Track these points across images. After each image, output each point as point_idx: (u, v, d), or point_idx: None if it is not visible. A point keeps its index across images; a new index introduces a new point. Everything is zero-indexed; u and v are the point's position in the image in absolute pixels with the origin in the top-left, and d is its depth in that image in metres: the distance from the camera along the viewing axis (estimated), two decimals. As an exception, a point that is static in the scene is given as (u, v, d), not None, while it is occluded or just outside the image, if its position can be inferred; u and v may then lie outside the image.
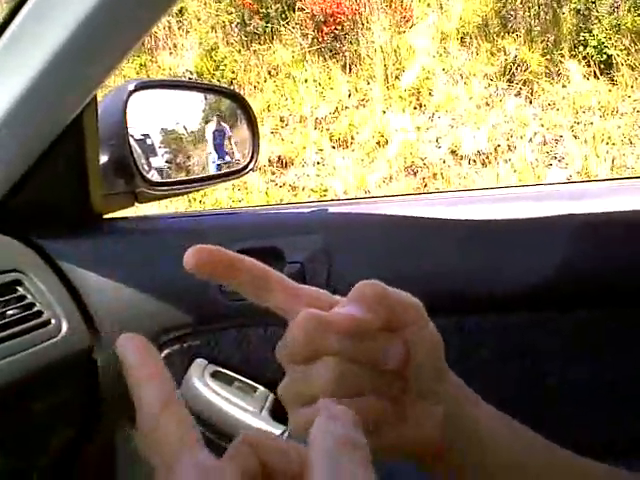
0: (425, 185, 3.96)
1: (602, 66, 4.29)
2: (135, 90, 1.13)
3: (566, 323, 0.98)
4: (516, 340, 1.00)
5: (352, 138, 4.22)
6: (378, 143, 4.16)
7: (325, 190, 3.95)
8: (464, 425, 0.51)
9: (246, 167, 1.31)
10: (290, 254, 1.03)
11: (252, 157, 1.31)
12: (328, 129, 4.28)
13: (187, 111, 1.42)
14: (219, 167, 1.37)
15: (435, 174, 4.03)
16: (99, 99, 1.05)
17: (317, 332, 0.45)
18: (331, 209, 1.14)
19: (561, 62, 4.34)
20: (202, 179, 1.34)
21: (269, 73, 4.53)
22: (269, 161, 4.13)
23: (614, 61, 4.25)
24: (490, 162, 4.00)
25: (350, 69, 4.49)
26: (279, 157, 4.18)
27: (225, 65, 4.58)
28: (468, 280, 1.00)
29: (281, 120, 4.36)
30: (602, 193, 1.09)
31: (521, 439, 0.54)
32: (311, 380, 0.46)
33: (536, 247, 0.99)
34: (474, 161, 4.04)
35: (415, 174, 4.03)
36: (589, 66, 4.30)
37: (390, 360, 0.46)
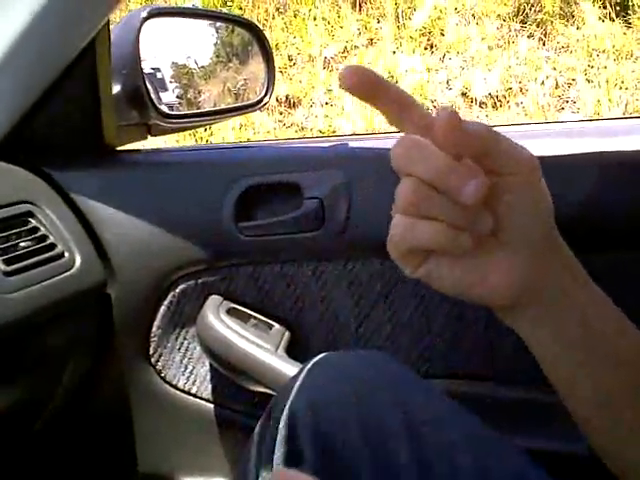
0: (435, 127, 3.90)
1: (618, 8, 4.19)
2: (148, 17, 1.09)
3: (592, 264, 0.96)
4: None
5: (361, 78, 4.15)
6: (387, 84, 4.08)
7: (333, 131, 3.89)
8: (547, 284, 0.51)
9: (261, 101, 1.28)
10: (309, 189, 1.01)
11: (267, 90, 1.28)
12: (337, 69, 4.21)
13: (198, 45, 1.38)
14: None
15: (445, 117, 3.96)
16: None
17: (407, 151, 0.47)
18: (351, 144, 1.11)
19: (576, 3, 4.24)
20: (217, 112, 1.32)
21: (277, 10, 4.43)
22: (277, 100, 4.06)
23: (630, 3, 4.16)
24: (501, 105, 3.93)
25: (360, 7, 4.39)
26: (287, 97, 4.11)
27: (233, 1, 4.48)
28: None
29: (289, 59, 4.28)
30: (631, 130, 1.06)
31: (601, 308, 0.54)
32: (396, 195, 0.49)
33: (562, 185, 0.96)
34: (485, 104, 3.97)
35: (425, 116, 3.97)
36: (604, 8, 4.19)
37: (463, 194, 0.45)
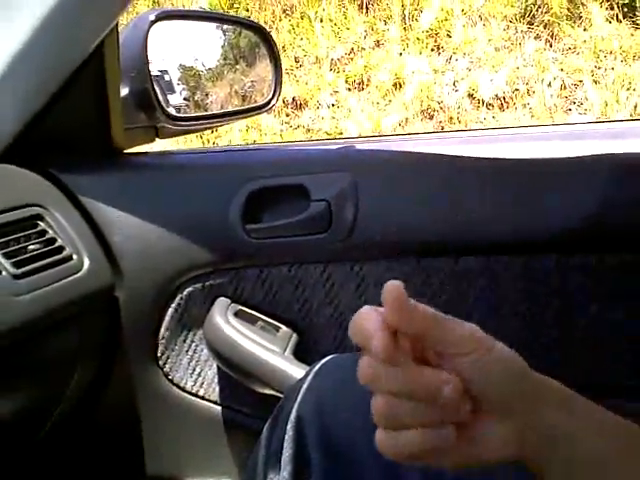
0: (442, 129, 3.90)
1: (625, 9, 4.17)
2: (156, 20, 1.10)
3: (600, 266, 0.96)
4: (547, 282, 0.98)
5: (368, 80, 4.15)
6: (394, 85, 4.08)
7: (340, 133, 3.89)
8: (544, 434, 0.52)
9: (268, 103, 1.28)
10: (316, 192, 1.01)
11: (274, 92, 1.28)
12: (344, 70, 4.21)
13: (205, 47, 1.38)
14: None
15: (451, 118, 3.96)
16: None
17: (373, 371, 0.49)
18: (359, 146, 1.11)
19: (583, 4, 4.23)
20: (224, 114, 1.32)
21: (284, 12, 4.43)
22: (284, 102, 4.06)
23: (638, 4, 4.14)
24: (508, 106, 3.93)
25: (367, 9, 4.39)
26: (294, 98, 4.11)
27: (239, 3, 4.48)
28: (499, 221, 0.98)
29: (296, 61, 4.28)
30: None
31: (606, 432, 0.54)
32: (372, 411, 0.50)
33: (571, 188, 0.96)
34: (491, 105, 3.97)
35: (431, 117, 3.96)
36: (612, 9, 4.18)
37: (441, 398, 0.47)
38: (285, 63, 4.17)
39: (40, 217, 0.95)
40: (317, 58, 4.25)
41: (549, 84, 3.96)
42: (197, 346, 1.08)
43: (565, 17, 4.23)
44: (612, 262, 0.96)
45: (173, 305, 1.06)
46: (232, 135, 3.95)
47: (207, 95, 1.37)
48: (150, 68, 1.09)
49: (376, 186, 1.01)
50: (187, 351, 1.08)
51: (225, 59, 1.43)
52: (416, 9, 4.30)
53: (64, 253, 0.94)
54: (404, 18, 4.29)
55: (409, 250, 1.01)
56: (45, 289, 0.88)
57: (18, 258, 0.88)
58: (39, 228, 0.94)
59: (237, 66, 1.43)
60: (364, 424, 0.67)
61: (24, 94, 0.98)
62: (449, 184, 1.00)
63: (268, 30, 1.34)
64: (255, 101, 1.37)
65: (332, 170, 1.02)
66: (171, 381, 1.09)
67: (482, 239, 0.98)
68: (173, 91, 1.27)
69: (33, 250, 0.91)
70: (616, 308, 0.97)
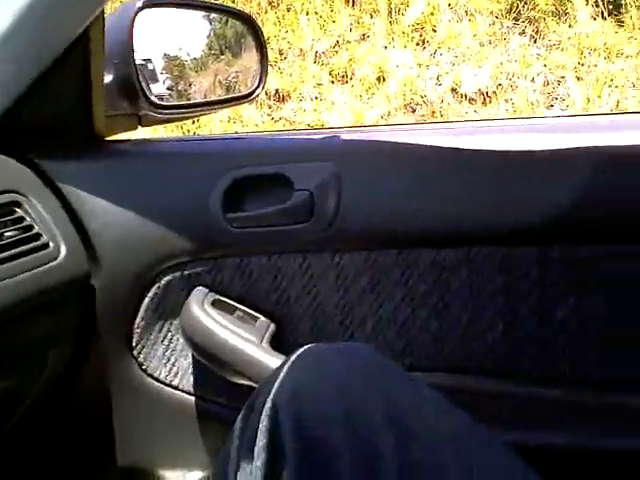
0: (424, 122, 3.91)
1: (610, 6, 4.20)
2: (143, 8, 1.09)
3: (580, 258, 0.97)
4: (527, 273, 0.98)
5: (352, 73, 4.15)
6: (378, 79, 4.08)
7: (322, 125, 3.89)
8: None
9: (253, 92, 1.28)
10: (299, 181, 1.01)
11: (260, 82, 1.28)
12: (328, 63, 4.20)
13: (190, 36, 1.38)
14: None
15: (434, 112, 3.96)
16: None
17: None
18: (343, 136, 1.11)
19: (569, 0, 4.25)
20: (208, 103, 1.32)
21: (270, 4, 4.42)
22: (266, 94, 4.05)
23: (623, 2, 4.16)
24: (491, 101, 3.94)
25: (353, 2, 4.38)
26: (276, 90, 4.10)
27: (225, -7, 4.48)
28: (480, 213, 0.98)
29: (280, 53, 4.27)
30: (625, 125, 1.07)
31: None
32: None
33: (552, 180, 0.97)
34: (474, 100, 3.98)
35: (414, 111, 3.97)
36: (597, 6, 4.20)
37: None
38: (269, 55, 4.15)
39: (18, 204, 0.94)
40: (301, 51, 4.24)
41: (532, 79, 3.98)
42: (173, 336, 1.07)
43: (551, 13, 4.25)
44: (591, 254, 0.97)
45: (150, 294, 1.05)
46: (213, 126, 3.94)
47: (190, 85, 1.36)
48: (135, 56, 1.09)
49: (359, 176, 1.01)
50: (162, 341, 1.08)
51: (210, 49, 1.43)
52: (402, 3, 4.30)
53: (41, 240, 0.93)
54: (390, 12, 4.29)
55: (390, 241, 1.01)
56: (20, 276, 0.88)
57: (-7, 245, 0.87)
58: (16, 215, 0.93)
59: (222, 56, 1.42)
60: (339, 415, 0.68)
61: (6, 79, 0.97)
62: (431, 175, 1.01)
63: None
64: (239, 91, 1.37)
65: (315, 160, 1.02)
66: (145, 371, 1.08)
67: (464, 231, 0.99)
68: (156, 80, 1.26)
69: (9, 237, 0.90)
70: (594, 300, 0.98)
